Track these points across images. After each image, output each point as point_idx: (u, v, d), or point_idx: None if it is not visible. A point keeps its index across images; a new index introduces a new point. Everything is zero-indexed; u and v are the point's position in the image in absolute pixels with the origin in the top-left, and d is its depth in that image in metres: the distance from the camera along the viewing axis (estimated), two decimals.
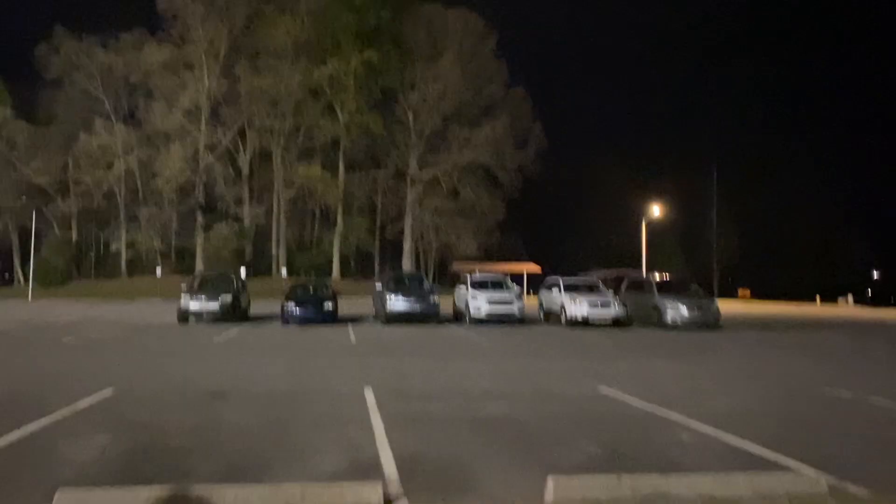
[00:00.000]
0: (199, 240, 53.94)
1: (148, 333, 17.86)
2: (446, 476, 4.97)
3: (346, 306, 27.29)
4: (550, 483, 4.36)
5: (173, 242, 56.70)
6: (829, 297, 56.23)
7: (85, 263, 57.48)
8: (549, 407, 7.71)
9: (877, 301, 55.25)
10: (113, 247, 56.27)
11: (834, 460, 5.43)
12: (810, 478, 4.76)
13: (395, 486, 4.66)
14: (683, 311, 21.23)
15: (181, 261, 55.99)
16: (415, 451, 5.58)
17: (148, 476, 4.81)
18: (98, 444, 5.63)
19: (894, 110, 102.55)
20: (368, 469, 5.06)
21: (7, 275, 60.95)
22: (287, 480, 4.68)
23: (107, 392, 8.12)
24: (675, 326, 21.00)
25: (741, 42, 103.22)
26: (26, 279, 50.10)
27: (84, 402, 7.46)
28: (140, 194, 55.32)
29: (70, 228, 57.41)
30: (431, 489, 4.65)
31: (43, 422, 6.47)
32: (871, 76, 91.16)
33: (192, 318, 21.01)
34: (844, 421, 7.23)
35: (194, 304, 20.70)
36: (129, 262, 55.74)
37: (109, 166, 52.83)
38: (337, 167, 55.41)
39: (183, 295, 20.98)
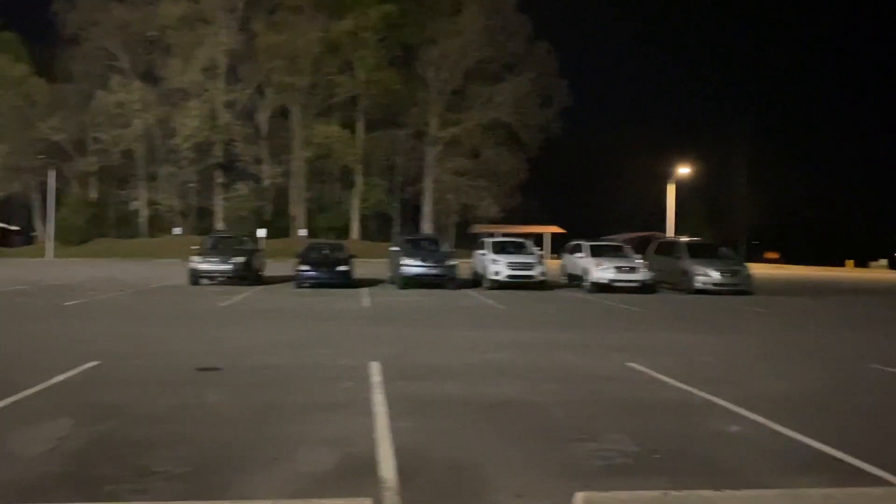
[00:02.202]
0: (219, 199, 53.45)
1: (155, 296, 17.28)
2: (453, 481, 4.17)
3: (364, 269, 26.65)
4: (580, 500, 3.54)
5: (193, 202, 56.27)
6: (858, 261, 54.67)
7: (105, 223, 57.36)
8: (573, 388, 6.89)
9: None
10: (132, 206, 55.99)
11: None
12: None
13: (391, 496, 3.87)
14: (715, 275, 20.29)
15: (201, 220, 55.63)
16: (419, 446, 4.78)
17: (98, 477, 4.07)
18: (55, 434, 4.91)
19: None
20: (362, 470, 4.28)
21: (33, 232, 61.01)
22: (259, 489, 3.92)
23: (90, 366, 7.42)
24: (705, 292, 20.08)
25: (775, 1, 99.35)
26: (47, 238, 50.04)
27: (60, 378, 6.77)
28: (159, 153, 54.78)
29: (89, 187, 57.18)
30: (434, 500, 3.86)
31: (6, 401, 5.77)
32: None
33: (204, 280, 20.44)
34: None
35: (206, 266, 20.09)
36: (149, 222, 55.54)
37: (127, 124, 52.20)
38: (356, 126, 54.31)
39: (194, 256, 20.35)
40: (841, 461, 4.64)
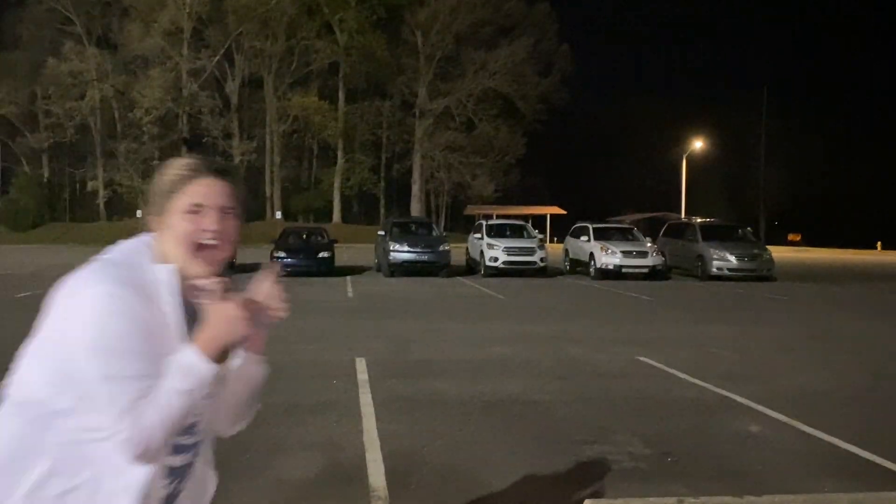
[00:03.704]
0: None
1: None
2: (448, 489, 4.21)
3: (347, 255, 26.66)
4: None
5: None
6: (890, 243, 54.97)
7: (59, 205, 57.03)
8: (578, 384, 6.94)
9: None
10: (89, 186, 55.64)
11: None
12: None
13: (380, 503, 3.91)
14: (732, 260, 20.42)
15: None
16: (411, 451, 4.82)
17: None
18: None
19: None
20: (350, 477, 4.31)
21: None
22: (236, 499, 3.94)
23: None
24: (721, 278, 20.21)
25: None
26: None
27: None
28: (117, 127, 54.38)
29: (41, 166, 56.76)
30: None
31: None
32: None
33: None
34: None
35: None
36: (108, 204, 55.22)
37: (82, 96, 51.76)
38: (336, 97, 54.03)
39: None
40: (871, 462, 4.70)
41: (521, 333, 10.18)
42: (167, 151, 54.23)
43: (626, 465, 4.61)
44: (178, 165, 1.59)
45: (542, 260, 20.58)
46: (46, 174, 57.06)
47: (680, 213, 43.93)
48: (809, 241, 59.15)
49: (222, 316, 1.47)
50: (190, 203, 1.54)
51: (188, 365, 1.43)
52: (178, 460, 1.61)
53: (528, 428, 5.46)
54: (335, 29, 51.80)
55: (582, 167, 74.16)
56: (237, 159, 53.42)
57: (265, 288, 1.59)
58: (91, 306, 1.42)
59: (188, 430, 1.58)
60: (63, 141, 53.85)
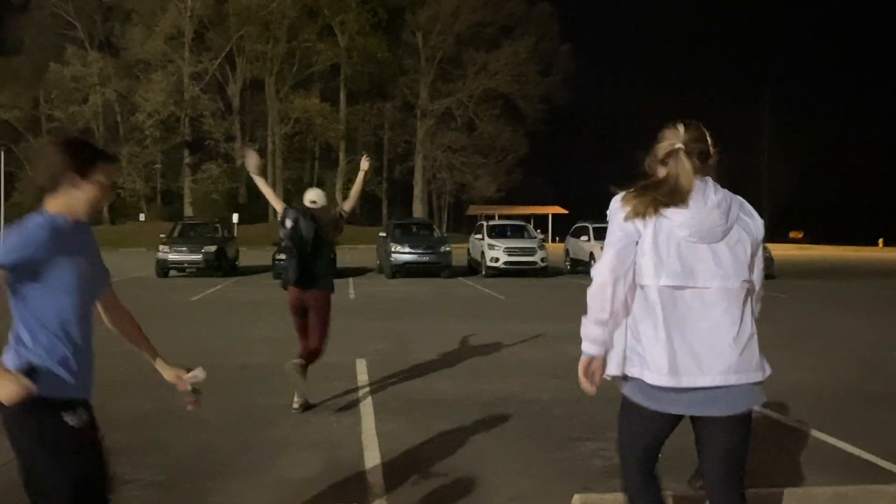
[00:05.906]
0: (187, 182, 53.35)
1: (120, 290, 17.16)
2: (445, 486, 4.33)
3: (349, 257, 26.80)
4: (577, 503, 3.71)
5: (159, 185, 56.17)
6: (892, 239, 54.96)
7: None
8: (575, 383, 6.94)
9: None
10: None
11: None
12: None
13: (379, 503, 4.03)
14: None
15: (168, 205, 55.55)
16: (409, 449, 4.95)
17: None
18: None
19: None
20: (349, 475, 4.44)
21: None
22: (239, 497, 4.07)
23: None
24: None
25: None
26: None
27: None
28: (120, 131, 54.62)
29: None
30: None
31: None
32: None
33: (173, 271, 20.57)
34: None
35: (174, 256, 20.23)
36: (111, 208, 55.39)
37: (85, 100, 52.04)
38: (337, 99, 54.20)
39: (161, 246, 20.48)
40: (856, 457, 4.82)
41: (520, 333, 10.30)
42: (170, 155, 54.57)
43: (617, 461, 4.71)
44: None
45: (542, 260, 20.70)
46: None
47: None
48: (811, 239, 59.20)
49: None
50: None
51: None
52: None
53: (525, 426, 5.58)
54: (336, 31, 51.97)
55: (584, 166, 74.23)
56: (240, 162, 53.63)
57: None
58: None
59: None
60: None
